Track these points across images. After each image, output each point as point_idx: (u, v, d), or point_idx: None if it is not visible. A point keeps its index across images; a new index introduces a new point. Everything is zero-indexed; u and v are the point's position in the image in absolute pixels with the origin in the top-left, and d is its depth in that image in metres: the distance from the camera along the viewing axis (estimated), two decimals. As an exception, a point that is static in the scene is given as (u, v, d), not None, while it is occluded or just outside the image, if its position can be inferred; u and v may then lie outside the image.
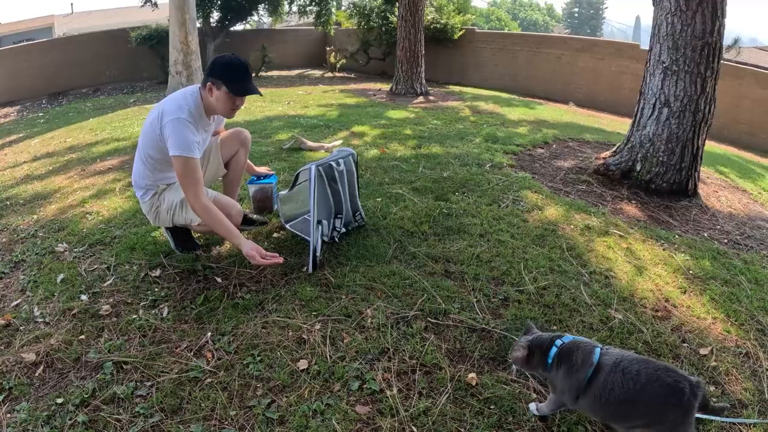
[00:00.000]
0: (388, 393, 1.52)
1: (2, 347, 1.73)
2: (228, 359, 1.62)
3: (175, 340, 1.71)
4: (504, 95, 9.33)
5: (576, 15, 56.79)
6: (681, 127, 3.48)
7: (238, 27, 13.28)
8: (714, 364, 1.84)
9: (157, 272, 2.15)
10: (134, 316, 1.84)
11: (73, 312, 1.88)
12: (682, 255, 2.71)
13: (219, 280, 2.10)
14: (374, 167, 3.73)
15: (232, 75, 1.99)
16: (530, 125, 5.97)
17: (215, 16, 12.19)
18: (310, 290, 2.02)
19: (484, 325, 1.89)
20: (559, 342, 1.34)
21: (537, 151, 4.68)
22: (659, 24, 3.49)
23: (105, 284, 2.08)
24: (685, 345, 1.94)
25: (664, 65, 3.47)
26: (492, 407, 1.51)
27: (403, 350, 1.72)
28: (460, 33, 10.75)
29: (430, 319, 1.90)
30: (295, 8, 12.95)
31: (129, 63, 11.61)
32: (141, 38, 10.89)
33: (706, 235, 3.12)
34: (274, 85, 9.85)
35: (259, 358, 1.63)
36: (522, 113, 7.00)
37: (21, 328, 1.82)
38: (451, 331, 1.85)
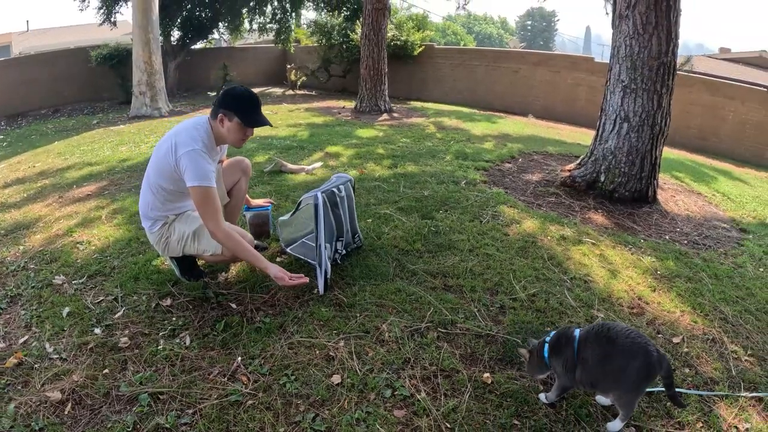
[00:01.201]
0: (418, 397, 1.70)
1: (20, 387, 1.75)
2: (264, 381, 1.73)
3: (205, 367, 1.80)
4: (465, 110, 9.80)
5: (529, 28, 59.30)
6: (640, 140, 3.89)
7: (198, 45, 13.20)
8: (686, 350, 2.16)
9: (168, 301, 2.22)
10: (158, 347, 1.90)
11: (90, 346, 1.92)
12: (649, 257, 3.06)
13: (234, 306, 2.19)
14: (358, 188, 3.89)
15: (244, 107, 2.10)
16: (495, 140, 6.35)
17: (175, 34, 12.15)
18: (326, 311, 2.16)
19: (488, 331, 2.12)
20: (547, 338, 1.63)
21: (505, 165, 5.02)
22: (618, 46, 3.90)
23: (116, 316, 2.12)
24: (659, 336, 2.26)
25: (624, 84, 3.88)
26: (509, 400, 1.73)
27: (423, 358, 1.91)
28: (420, 49, 11.20)
29: (440, 329, 2.10)
30: (255, 26, 13.05)
31: (89, 83, 11.43)
32: (101, 57, 10.76)
33: (667, 237, 3.51)
34: None
35: (293, 377, 1.76)
36: (485, 128, 7.41)
37: (36, 365, 1.83)
38: (460, 338, 2.06)
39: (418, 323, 2.12)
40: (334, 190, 2.50)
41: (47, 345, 1.93)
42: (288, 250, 2.70)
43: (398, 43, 10.71)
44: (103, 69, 11.00)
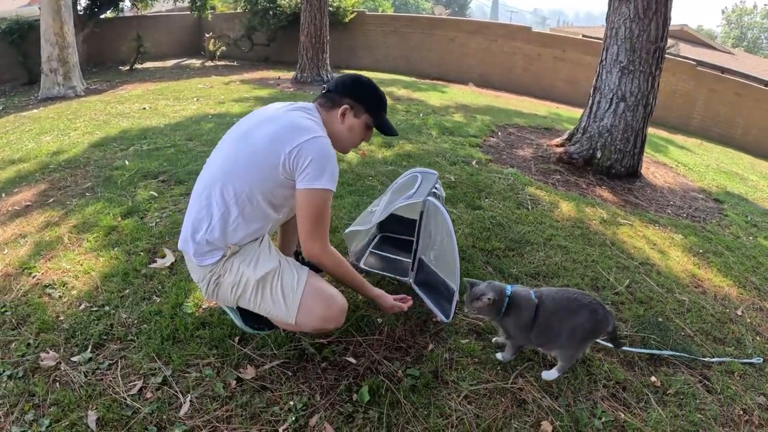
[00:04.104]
0: (624, 417, 1.42)
1: None
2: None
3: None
4: (404, 78, 9.12)
5: (444, -6, 57.07)
6: (635, 118, 3.73)
7: (107, 14, 10.52)
8: (749, 320, 2.11)
9: (251, 372, 1.41)
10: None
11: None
12: (678, 235, 2.92)
13: (353, 359, 1.47)
14: (375, 174, 3.20)
15: (379, 103, 1.51)
16: (459, 112, 5.90)
17: (82, 2, 9.49)
18: (468, 342, 1.59)
19: (624, 332, 1.81)
20: (507, 292, 1.44)
21: (491, 140, 4.63)
22: (617, 28, 3.62)
23: (183, 413, 1.28)
24: (727, 310, 2.15)
25: (622, 65, 3.64)
26: (682, 397, 1.52)
27: (596, 374, 1.57)
28: (352, 16, 10.14)
29: None
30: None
31: (-15, 63, 8.59)
32: (0, 33, 8.23)
33: (669, 211, 3.42)
34: (157, 79, 7.94)
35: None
36: (439, 98, 6.89)
37: None
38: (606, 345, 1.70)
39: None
40: (435, 191, 1.83)
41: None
42: (363, 265, 1.99)
43: (330, 9, 9.51)
44: (3, 46, 8.47)
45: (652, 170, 4.27)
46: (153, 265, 1.97)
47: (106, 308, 1.70)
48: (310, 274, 1.42)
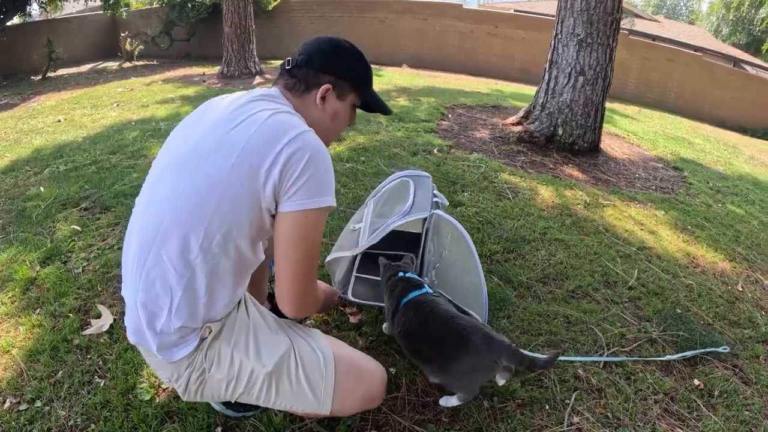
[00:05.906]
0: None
1: None
2: None
3: None
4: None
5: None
6: (594, 92, 3.65)
7: (14, 21, 8.95)
8: (750, 295, 2.06)
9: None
10: None
11: None
12: (659, 211, 2.86)
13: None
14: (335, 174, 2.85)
15: (366, 76, 1.08)
16: (402, 95, 5.62)
17: None
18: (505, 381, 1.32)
19: (651, 335, 1.67)
20: (401, 274, 1.34)
21: (443, 123, 4.43)
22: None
23: None
24: (729, 288, 2.09)
25: (579, 38, 3.52)
26: (726, 396, 1.42)
27: (643, 391, 1.41)
28: (276, 3, 9.43)
29: (617, 347, 1.57)
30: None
31: None
32: None
33: (639, 185, 3.39)
34: (73, 87, 6.82)
35: None
36: (376, 82, 6.24)
37: None
38: (642, 351, 1.58)
39: (598, 349, 1.54)
40: (437, 200, 1.54)
41: None
42: (351, 297, 1.64)
43: (252, -3, 8.75)
44: None
45: (608, 143, 4.27)
46: (87, 331, 1.51)
47: (38, 404, 1.23)
48: (332, 343, 1.04)
